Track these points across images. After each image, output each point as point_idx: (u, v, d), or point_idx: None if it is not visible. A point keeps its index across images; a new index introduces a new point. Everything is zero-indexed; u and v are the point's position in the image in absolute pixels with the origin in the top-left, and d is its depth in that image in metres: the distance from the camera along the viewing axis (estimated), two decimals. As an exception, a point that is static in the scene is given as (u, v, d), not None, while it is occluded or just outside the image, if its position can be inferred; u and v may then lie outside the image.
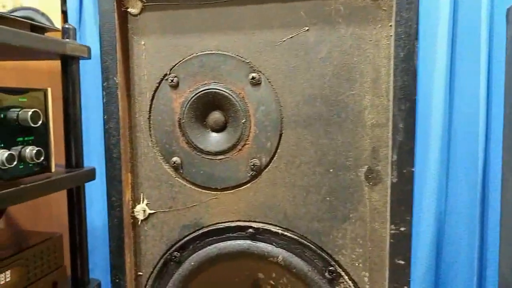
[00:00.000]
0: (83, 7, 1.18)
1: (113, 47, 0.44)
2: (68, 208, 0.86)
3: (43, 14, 0.81)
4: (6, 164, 0.65)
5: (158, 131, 0.45)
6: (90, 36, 1.00)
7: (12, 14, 0.69)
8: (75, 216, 0.86)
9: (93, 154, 0.99)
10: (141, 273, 0.48)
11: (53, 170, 0.78)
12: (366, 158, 0.40)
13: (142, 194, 0.46)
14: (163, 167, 0.45)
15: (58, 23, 0.78)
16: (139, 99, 0.45)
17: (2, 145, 0.67)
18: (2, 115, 0.67)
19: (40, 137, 0.75)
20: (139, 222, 0.47)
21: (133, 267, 0.47)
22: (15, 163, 0.67)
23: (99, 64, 1.24)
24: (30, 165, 0.73)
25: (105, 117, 0.45)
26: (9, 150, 0.67)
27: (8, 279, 0.71)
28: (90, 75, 1.22)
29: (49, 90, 0.77)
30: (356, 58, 0.40)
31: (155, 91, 0.45)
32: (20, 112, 0.69)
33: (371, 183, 0.40)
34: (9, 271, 0.71)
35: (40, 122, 0.72)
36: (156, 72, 0.45)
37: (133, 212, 0.47)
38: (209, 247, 0.45)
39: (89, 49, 0.86)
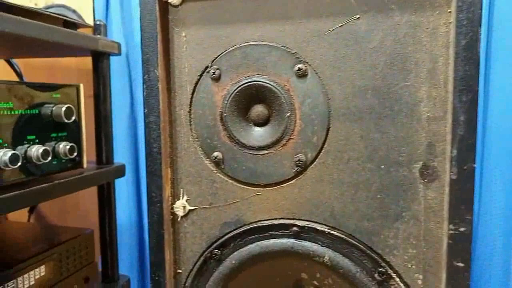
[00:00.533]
0: (110, 4, 1.18)
1: (154, 39, 0.43)
2: (99, 204, 0.86)
3: (74, 11, 0.81)
4: (41, 160, 0.66)
5: (198, 125, 0.44)
6: (116, 33, 1.00)
7: (46, 10, 0.69)
8: (106, 212, 0.87)
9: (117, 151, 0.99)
10: (180, 271, 0.47)
11: (85, 166, 0.78)
12: (421, 154, 0.38)
13: (182, 190, 0.45)
14: (204, 162, 0.44)
15: (89, 19, 0.78)
16: (179, 92, 0.44)
17: (37, 140, 0.68)
18: (36, 111, 0.67)
19: (73, 133, 0.75)
20: (179, 219, 0.46)
21: (172, 264, 0.46)
22: (49, 158, 0.67)
23: (124, 60, 1.24)
24: (63, 160, 0.73)
25: (146, 111, 0.44)
26: (43, 145, 0.67)
27: (42, 274, 0.72)
28: (115, 72, 1.23)
29: (81, 86, 0.77)
30: (411, 47, 0.38)
31: (196, 84, 0.43)
32: (54, 108, 0.70)
33: (426, 180, 0.38)
34: (43, 266, 0.72)
35: (73, 118, 0.72)
36: (197, 65, 0.43)
37: (172, 208, 0.46)
38: (251, 245, 0.43)
39: (119, 45, 0.86)
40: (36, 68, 0.98)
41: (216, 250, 0.45)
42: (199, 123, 0.44)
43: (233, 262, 0.44)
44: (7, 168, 0.60)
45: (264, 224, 0.43)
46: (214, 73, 0.42)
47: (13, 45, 0.74)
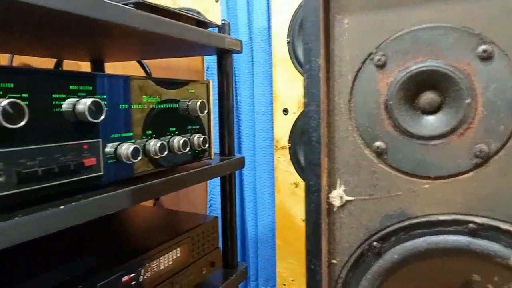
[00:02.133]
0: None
1: (317, 28, 0.42)
2: (221, 194, 0.90)
3: (198, 13, 0.85)
4: (182, 150, 0.70)
5: (359, 114, 0.43)
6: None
7: (182, 10, 0.74)
8: (227, 202, 0.91)
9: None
10: (334, 261, 0.46)
11: (212, 157, 0.82)
12: None
13: (338, 180, 0.45)
14: (364, 152, 0.43)
15: (216, 19, 0.82)
16: (339, 81, 0.44)
17: (177, 132, 0.73)
18: (176, 105, 0.72)
19: (204, 125, 0.80)
20: (335, 209, 0.45)
21: (326, 255, 0.46)
22: (187, 149, 0.72)
23: (242, 57, 1.27)
24: (196, 151, 0.78)
25: (306, 100, 0.44)
26: (181, 136, 0.72)
27: (178, 255, 0.77)
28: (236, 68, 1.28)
29: (211, 82, 0.82)
30: None
31: (358, 72, 0.42)
32: (189, 103, 0.74)
33: None
34: (179, 248, 0.77)
35: (206, 111, 0.77)
36: (359, 52, 0.42)
37: (328, 198, 0.46)
38: (416, 240, 0.41)
39: (241, 43, 0.89)
40: (154, 69, 1.06)
41: (376, 243, 0.43)
42: (360, 112, 0.43)
43: (395, 256, 0.42)
44: (155, 157, 0.66)
45: (433, 219, 0.41)
46: (379, 59, 0.41)
47: (149, 45, 0.81)
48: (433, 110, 0.40)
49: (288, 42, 0.89)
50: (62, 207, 0.48)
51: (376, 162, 0.43)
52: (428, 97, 0.40)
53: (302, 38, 0.44)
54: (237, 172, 1.38)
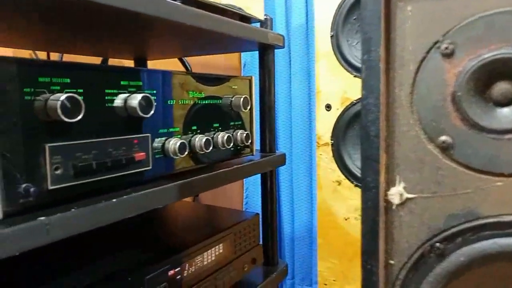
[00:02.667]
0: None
1: (377, 16, 0.40)
2: (262, 190, 0.89)
3: (240, 8, 0.84)
4: (225, 145, 0.70)
5: (422, 107, 0.41)
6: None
7: (225, 5, 0.73)
8: (268, 199, 0.90)
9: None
10: (392, 262, 0.44)
11: (254, 153, 0.81)
12: None
13: (397, 176, 0.43)
14: (427, 147, 0.41)
15: (259, 14, 0.81)
16: (399, 72, 0.41)
17: (220, 128, 0.72)
18: (219, 101, 0.72)
19: (246, 122, 0.79)
20: (393, 207, 0.43)
21: (383, 255, 0.44)
22: (231, 144, 0.71)
23: (279, 53, 1.25)
24: (238, 147, 0.77)
25: (364, 92, 0.42)
26: (225, 132, 0.71)
27: (221, 251, 0.77)
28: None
29: (253, 78, 0.81)
30: None
31: (421, 62, 0.40)
32: (233, 98, 0.74)
33: None
34: (222, 244, 0.77)
35: (249, 107, 0.76)
36: (423, 41, 0.40)
37: (386, 195, 0.43)
38: (485, 241, 0.38)
39: (283, 38, 0.87)
40: (193, 66, 1.07)
41: (439, 244, 0.41)
42: (423, 104, 0.40)
43: (461, 259, 0.39)
44: (201, 152, 0.65)
45: (505, 220, 0.38)
46: (446, 48, 0.38)
47: (192, 41, 0.81)
48: (508, 101, 0.37)
49: (331, 36, 0.87)
50: (114, 200, 0.49)
51: (441, 158, 0.40)
52: (502, 87, 0.37)
53: (360, 28, 0.42)
54: None
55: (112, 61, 1.07)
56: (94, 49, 0.85)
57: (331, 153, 0.90)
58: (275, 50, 0.87)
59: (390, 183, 0.43)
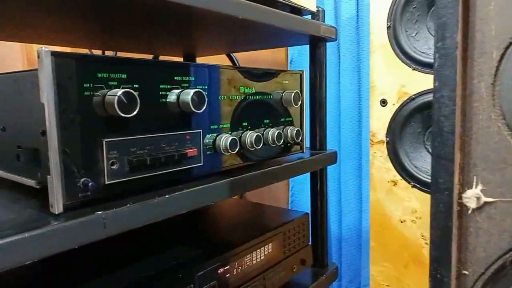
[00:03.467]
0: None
1: None
2: (311, 189, 0.86)
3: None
4: (276, 142, 0.68)
5: (506, 100, 0.36)
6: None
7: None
8: (318, 198, 0.87)
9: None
10: (466, 272, 0.40)
11: (304, 150, 0.78)
12: None
13: (475, 177, 0.38)
14: (511, 145, 0.36)
15: (311, 5, 0.78)
16: (479, 60, 0.37)
17: (271, 124, 0.70)
18: (270, 96, 0.70)
19: (297, 118, 0.76)
20: (469, 211, 0.39)
21: (455, 264, 0.40)
22: (281, 141, 0.69)
23: (329, 46, 1.20)
24: (288, 144, 0.74)
25: (436, 84, 0.38)
26: (276, 128, 0.69)
27: (270, 251, 0.75)
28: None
29: (304, 72, 0.78)
30: None
31: (507, 48, 0.36)
32: (284, 94, 0.71)
33: None
34: (271, 243, 0.75)
35: (299, 103, 0.73)
36: (509, 25, 0.35)
37: (461, 198, 0.39)
38: None
39: (336, 30, 0.83)
40: (240, 62, 1.05)
41: (524, 255, 0.36)
42: (508, 97, 0.36)
43: (552, 273, 0.35)
44: (251, 149, 0.64)
45: None
46: (538, 32, 0.34)
47: (242, 36, 0.79)
48: None
49: (388, 27, 0.82)
50: (167, 196, 0.49)
51: (529, 158, 0.35)
52: None
53: (435, 12, 0.38)
54: (334, 166, 1.32)
55: (162, 58, 1.08)
56: (146, 46, 0.87)
57: (386, 152, 0.85)
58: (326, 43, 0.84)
59: (465, 185, 0.39)
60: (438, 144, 0.38)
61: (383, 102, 0.82)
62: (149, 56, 1.03)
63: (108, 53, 0.96)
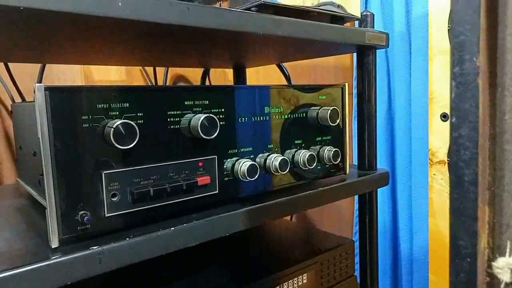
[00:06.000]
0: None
1: (475, 10, 0.28)
2: (359, 213, 0.78)
3: (339, 6, 0.74)
4: (307, 165, 0.62)
5: None
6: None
7: (314, 7, 0.65)
8: (366, 223, 0.78)
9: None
10: None
11: (347, 172, 0.71)
12: None
13: (509, 242, 0.29)
14: None
15: (355, 11, 0.71)
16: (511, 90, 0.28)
17: (303, 145, 0.64)
18: (303, 114, 0.64)
19: (336, 136, 0.69)
20: (502, 285, 0.30)
21: None
22: (314, 164, 0.63)
23: (398, 50, 1.08)
24: (326, 166, 0.68)
25: (454, 120, 0.30)
26: (308, 150, 0.63)
27: (304, 282, 0.69)
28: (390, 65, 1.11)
29: (347, 85, 0.70)
30: None
31: None
32: (319, 111, 0.65)
33: None
34: (306, 274, 0.69)
35: (338, 121, 0.66)
36: None
37: (490, 267, 0.30)
38: None
39: (387, 36, 0.74)
40: (297, 69, 1.00)
41: None
42: (553, 139, 0.26)
43: None
44: (276, 174, 0.59)
45: None
46: None
47: (285, 50, 0.74)
48: None
49: (449, 29, 0.70)
50: (173, 228, 0.47)
51: None
52: None
53: (451, 29, 0.29)
54: (390, 185, 1.20)
55: (216, 71, 1.09)
56: (196, 61, 0.88)
57: (447, 174, 0.72)
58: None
59: (496, 251, 0.30)
60: (457, 196, 0.30)
61: (444, 117, 0.70)
62: (200, 70, 1.04)
63: (160, 69, 0.99)
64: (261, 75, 1.19)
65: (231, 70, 1.11)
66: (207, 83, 1.03)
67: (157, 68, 0.97)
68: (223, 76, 1.12)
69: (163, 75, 0.99)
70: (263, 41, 0.61)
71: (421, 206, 1.10)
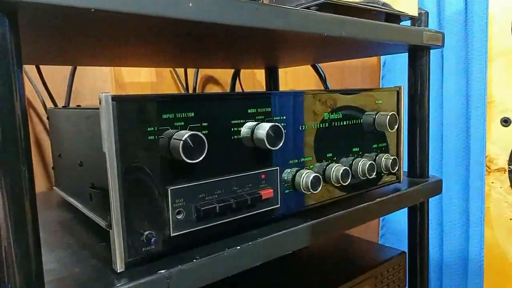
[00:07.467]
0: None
1: None
2: (409, 224, 0.74)
3: (384, 4, 0.70)
4: (367, 175, 0.58)
5: None
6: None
7: (367, 4, 0.61)
8: (417, 235, 0.74)
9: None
10: None
11: (401, 180, 0.67)
12: None
13: None
14: None
15: (412, 10, 0.66)
16: None
17: (360, 153, 0.61)
18: (359, 121, 0.60)
19: (393, 143, 0.65)
20: None
21: None
22: (373, 173, 0.59)
23: (437, 51, 1.02)
24: (382, 174, 0.64)
25: None
26: (366, 158, 0.59)
27: (358, 295, 0.65)
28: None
29: (402, 88, 0.66)
30: None
31: None
32: (376, 116, 0.61)
33: None
34: None
35: (396, 126, 0.62)
36: None
37: None
38: None
39: (443, 36, 0.70)
40: (325, 67, 0.96)
41: None
42: None
43: None
44: (337, 185, 0.55)
45: None
46: None
47: (326, 49, 0.70)
48: None
49: (515, 29, 0.66)
50: (238, 247, 0.43)
51: None
52: None
53: None
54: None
55: (244, 72, 1.05)
56: (228, 62, 0.84)
57: (508, 182, 0.68)
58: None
59: None
60: None
61: (505, 121, 0.66)
62: (231, 70, 1.00)
63: (190, 70, 0.95)
64: (289, 75, 1.16)
65: (260, 70, 1.07)
66: (237, 84, 0.99)
67: (187, 70, 0.93)
68: (251, 76, 1.09)
69: (193, 76, 0.96)
70: (308, 41, 0.57)
71: (452, 209, 1.06)
